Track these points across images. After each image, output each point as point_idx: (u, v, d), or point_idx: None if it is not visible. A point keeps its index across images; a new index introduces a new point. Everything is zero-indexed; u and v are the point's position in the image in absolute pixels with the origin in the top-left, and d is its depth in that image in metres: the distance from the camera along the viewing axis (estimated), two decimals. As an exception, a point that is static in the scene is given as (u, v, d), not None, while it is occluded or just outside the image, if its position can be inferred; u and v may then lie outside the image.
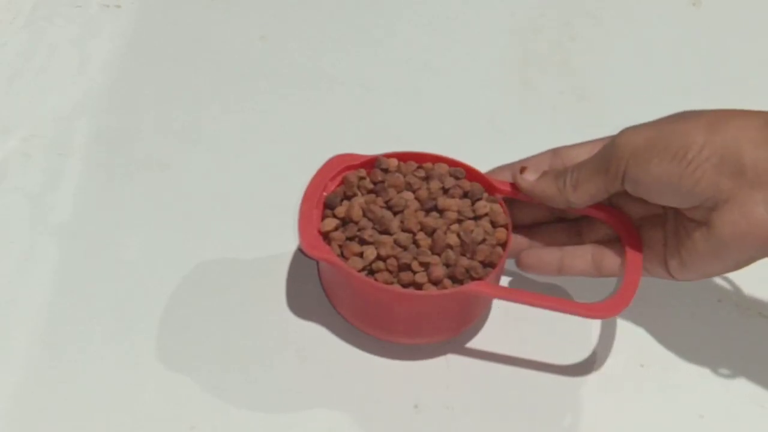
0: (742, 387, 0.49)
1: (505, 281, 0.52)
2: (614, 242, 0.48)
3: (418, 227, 0.46)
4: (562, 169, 0.46)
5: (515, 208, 0.49)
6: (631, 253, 0.47)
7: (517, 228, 0.49)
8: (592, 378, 0.49)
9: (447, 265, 0.45)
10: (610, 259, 0.48)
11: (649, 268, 0.47)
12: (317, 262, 0.51)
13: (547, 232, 0.50)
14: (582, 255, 0.48)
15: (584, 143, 0.48)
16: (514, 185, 0.49)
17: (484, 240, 0.46)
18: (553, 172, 0.47)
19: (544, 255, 0.49)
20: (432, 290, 0.45)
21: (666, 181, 0.42)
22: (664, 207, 0.46)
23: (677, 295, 0.52)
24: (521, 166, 0.48)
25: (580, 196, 0.46)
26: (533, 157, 0.49)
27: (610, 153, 0.44)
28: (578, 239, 0.49)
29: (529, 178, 0.47)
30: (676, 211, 0.45)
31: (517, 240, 0.49)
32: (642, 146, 0.42)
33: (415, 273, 0.45)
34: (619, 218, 0.48)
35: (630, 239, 0.47)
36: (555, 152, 0.48)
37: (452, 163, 0.49)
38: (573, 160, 0.47)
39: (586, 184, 0.45)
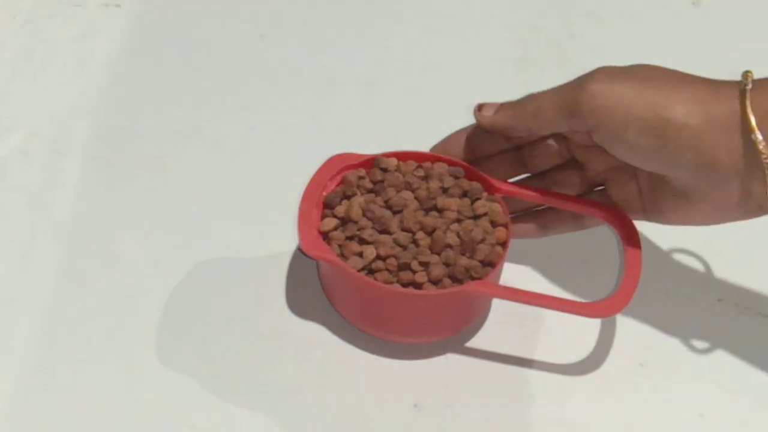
0: (742, 387, 0.49)
1: (504, 280, 0.52)
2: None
3: (418, 227, 0.46)
4: (520, 99, 0.46)
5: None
6: (630, 253, 0.47)
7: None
8: (592, 378, 0.49)
9: (446, 265, 0.45)
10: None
11: (627, 213, 0.48)
12: (317, 262, 0.51)
13: (494, 166, 0.50)
14: (563, 215, 0.49)
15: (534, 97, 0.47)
16: (514, 185, 0.49)
17: (483, 239, 0.46)
18: (510, 102, 0.47)
19: (524, 225, 0.50)
20: (431, 290, 0.45)
21: (642, 151, 0.43)
22: None
23: (677, 294, 0.52)
24: (479, 105, 0.48)
25: (541, 126, 0.46)
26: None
27: (578, 100, 0.43)
28: (524, 169, 0.50)
29: (487, 113, 0.47)
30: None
31: (527, 226, 0.50)
32: (617, 109, 0.42)
33: (414, 272, 0.45)
34: (618, 218, 0.48)
35: (629, 238, 0.47)
36: None
37: (451, 163, 0.49)
38: None
39: (547, 116, 0.45)
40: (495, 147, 0.49)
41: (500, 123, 0.47)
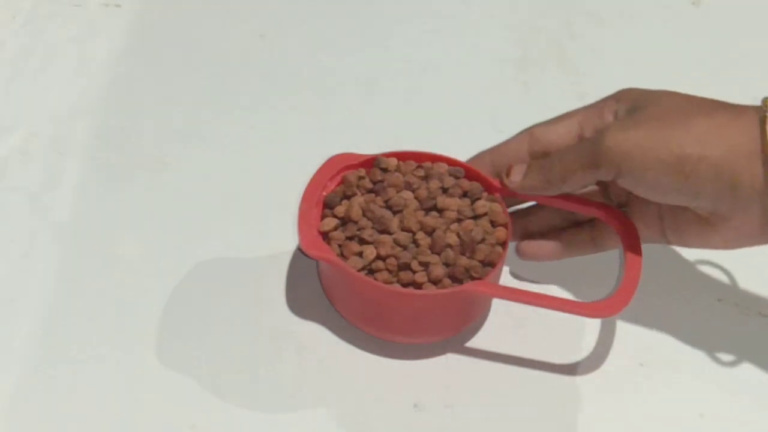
0: (742, 387, 0.49)
1: (505, 280, 0.52)
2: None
3: (418, 227, 0.46)
4: (545, 160, 0.46)
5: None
6: (630, 253, 0.47)
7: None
8: (592, 378, 0.49)
9: (446, 265, 0.45)
10: (610, 235, 0.49)
11: (647, 237, 0.48)
12: (317, 262, 0.51)
13: (543, 216, 0.50)
14: (581, 237, 0.49)
15: (558, 120, 0.48)
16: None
17: (483, 239, 0.46)
18: (536, 164, 0.47)
19: (545, 243, 0.49)
20: (431, 289, 0.45)
21: (664, 190, 0.43)
22: None
23: (677, 294, 0.52)
24: (508, 169, 0.48)
25: (571, 186, 0.46)
26: (510, 141, 0.49)
27: (598, 153, 0.43)
28: (573, 217, 0.50)
29: (516, 179, 0.47)
30: None
31: (549, 246, 0.50)
32: (633, 154, 0.42)
33: (414, 272, 0.45)
34: (618, 218, 0.48)
35: (629, 239, 0.47)
36: (531, 134, 0.48)
37: (451, 163, 0.49)
38: (550, 141, 0.47)
39: (575, 175, 0.45)
40: None
41: (530, 188, 0.47)
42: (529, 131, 0.48)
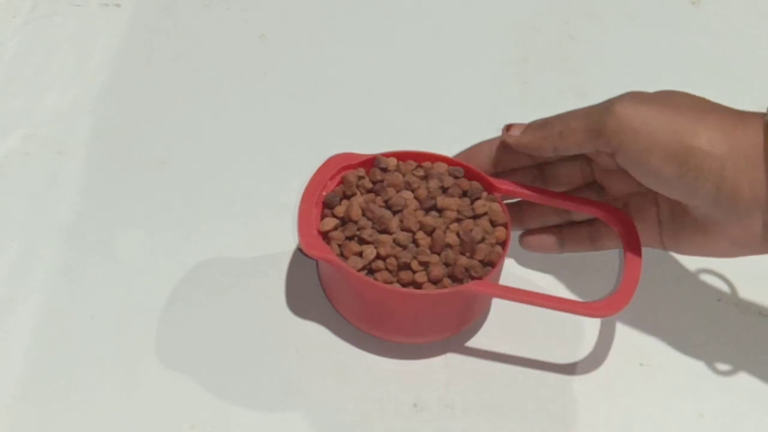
0: (742, 386, 0.49)
1: (504, 280, 0.52)
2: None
3: (418, 226, 0.46)
4: (548, 118, 0.46)
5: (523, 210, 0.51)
6: (630, 253, 0.47)
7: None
8: (592, 378, 0.49)
9: (446, 264, 0.45)
10: (608, 235, 0.49)
11: (644, 240, 0.47)
12: (317, 262, 0.51)
13: (539, 214, 0.50)
14: (579, 235, 0.50)
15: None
16: (514, 184, 0.49)
17: (483, 239, 0.46)
18: (537, 122, 0.47)
19: (545, 237, 0.50)
20: (431, 289, 0.45)
21: (664, 177, 0.42)
22: None
23: (677, 294, 0.52)
24: (508, 125, 0.48)
25: (567, 146, 0.45)
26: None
27: (605, 120, 0.43)
28: (545, 186, 0.50)
29: (515, 133, 0.47)
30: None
31: (549, 239, 0.50)
32: (642, 133, 0.42)
33: (414, 272, 0.45)
34: (619, 218, 0.48)
35: (629, 238, 0.47)
36: None
37: (451, 162, 0.49)
38: None
39: (574, 136, 0.45)
40: (518, 162, 0.49)
41: (527, 143, 0.47)
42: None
